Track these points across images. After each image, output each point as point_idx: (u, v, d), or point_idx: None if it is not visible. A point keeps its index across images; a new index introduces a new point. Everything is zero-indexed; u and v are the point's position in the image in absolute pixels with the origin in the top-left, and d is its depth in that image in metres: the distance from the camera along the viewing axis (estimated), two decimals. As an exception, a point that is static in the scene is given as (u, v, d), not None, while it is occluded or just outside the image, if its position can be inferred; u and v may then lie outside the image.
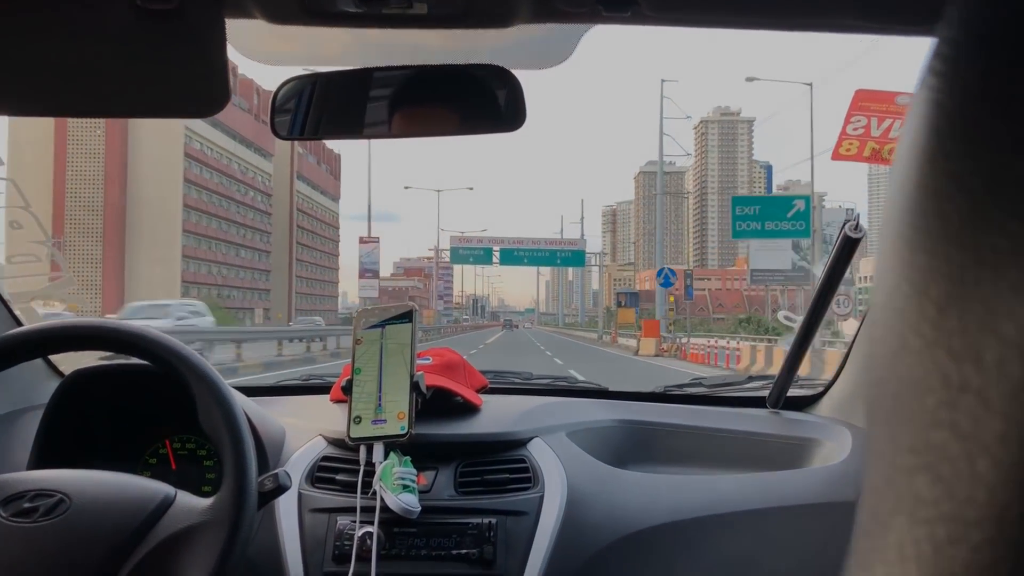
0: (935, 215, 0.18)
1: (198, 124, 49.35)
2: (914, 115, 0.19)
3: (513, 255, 36.62)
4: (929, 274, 0.18)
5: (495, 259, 36.73)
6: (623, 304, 35.82)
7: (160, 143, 48.55)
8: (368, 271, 32.83)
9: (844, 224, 1.23)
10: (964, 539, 0.16)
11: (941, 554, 0.17)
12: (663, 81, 39.85)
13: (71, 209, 47.74)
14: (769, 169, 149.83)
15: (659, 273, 24.67)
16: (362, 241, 35.22)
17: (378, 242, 34.73)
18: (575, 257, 37.04)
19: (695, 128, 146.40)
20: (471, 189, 53.07)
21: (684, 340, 22.96)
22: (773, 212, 21.14)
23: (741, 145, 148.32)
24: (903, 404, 0.18)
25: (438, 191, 45.55)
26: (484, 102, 1.00)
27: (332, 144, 73.81)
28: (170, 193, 49.85)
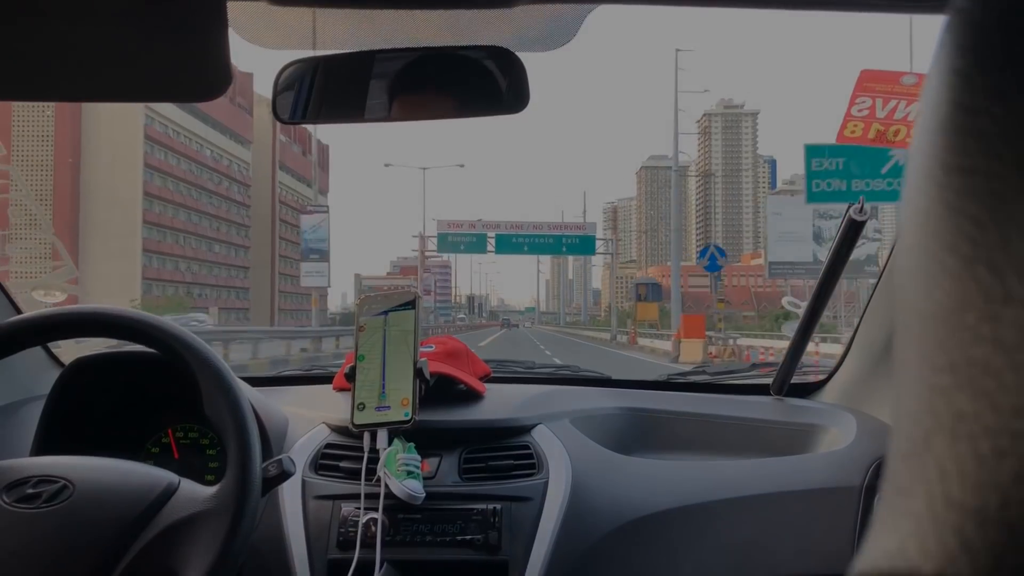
0: (972, 132, 0.18)
1: (161, 104, 43.44)
2: (946, 39, 0.19)
3: (511, 242, 30.56)
4: (966, 192, 0.18)
5: (490, 247, 30.60)
6: (643, 297, 29.37)
7: (117, 124, 42.74)
8: (313, 251, 24.56)
9: (849, 207, 1.23)
10: (1011, 451, 0.16)
11: (986, 467, 0.16)
12: (677, 51, 33.83)
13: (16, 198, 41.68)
14: (773, 163, 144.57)
15: (703, 252, 18.53)
16: (304, 211, 26.67)
17: (326, 212, 26.10)
18: (583, 244, 30.84)
19: (698, 122, 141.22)
20: (462, 166, 47.44)
21: (738, 342, 16.98)
22: (863, 167, 15.19)
23: (745, 139, 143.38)
24: (939, 325, 0.18)
25: (424, 168, 39.97)
26: (487, 84, 1.00)
27: (319, 132, 67.91)
28: (128, 180, 43.90)
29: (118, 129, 43.44)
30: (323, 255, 25.06)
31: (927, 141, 0.19)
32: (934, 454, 0.18)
